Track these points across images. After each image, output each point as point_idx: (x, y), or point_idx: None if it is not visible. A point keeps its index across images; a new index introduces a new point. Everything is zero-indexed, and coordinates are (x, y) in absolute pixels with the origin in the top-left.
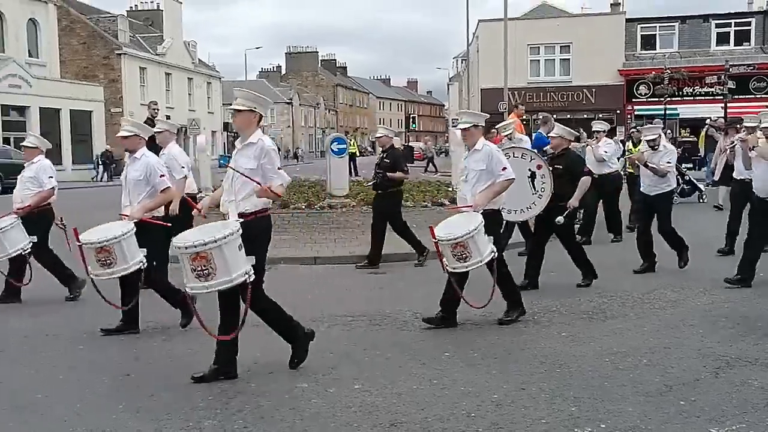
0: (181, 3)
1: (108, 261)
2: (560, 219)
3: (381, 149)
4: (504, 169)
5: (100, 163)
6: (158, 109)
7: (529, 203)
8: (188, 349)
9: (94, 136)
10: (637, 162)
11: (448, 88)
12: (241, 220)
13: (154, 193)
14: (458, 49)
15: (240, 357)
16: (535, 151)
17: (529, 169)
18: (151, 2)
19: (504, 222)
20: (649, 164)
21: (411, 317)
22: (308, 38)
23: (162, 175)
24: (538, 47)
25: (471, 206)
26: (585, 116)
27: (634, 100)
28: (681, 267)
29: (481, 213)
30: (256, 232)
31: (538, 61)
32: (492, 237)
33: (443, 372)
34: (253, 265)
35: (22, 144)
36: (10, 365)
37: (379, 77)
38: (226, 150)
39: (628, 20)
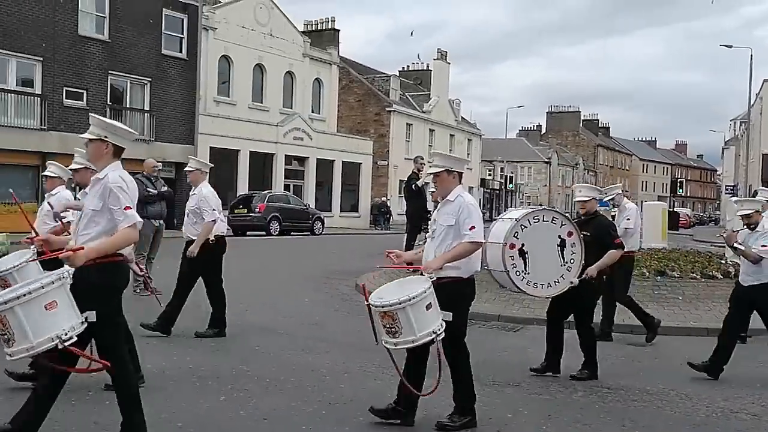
0: (449, 64)
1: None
2: (575, 280)
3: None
4: (472, 228)
5: (377, 212)
6: (424, 164)
7: (557, 276)
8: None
9: (361, 187)
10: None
11: (723, 152)
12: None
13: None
14: (737, 110)
15: None
16: (567, 214)
17: (559, 236)
18: (422, 63)
19: (474, 295)
20: (738, 246)
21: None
22: (572, 98)
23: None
24: None
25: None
26: None
27: None
28: None
29: (438, 281)
30: (85, 284)
31: None
32: (449, 313)
33: None
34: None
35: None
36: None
37: (644, 139)
38: (482, 205)
39: None
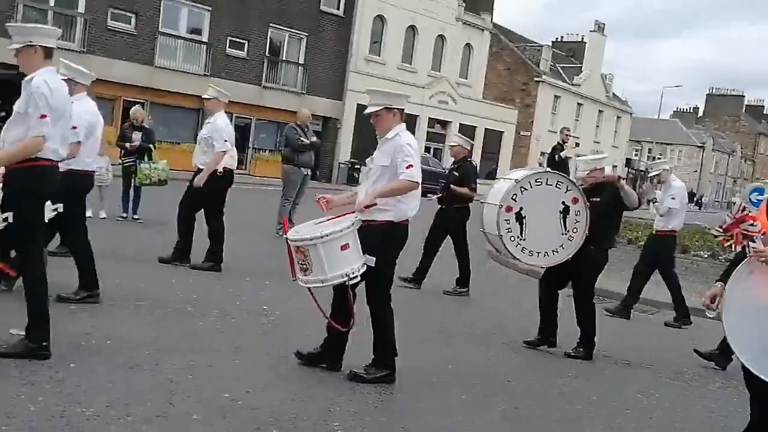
0: (605, 37)
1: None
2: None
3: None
4: (409, 167)
5: None
6: (570, 136)
7: (556, 245)
8: None
9: (501, 155)
10: None
11: None
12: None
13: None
14: None
15: None
16: (575, 181)
17: (563, 202)
18: (576, 35)
19: (405, 241)
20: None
21: None
22: (736, 81)
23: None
24: None
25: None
26: None
27: None
28: None
29: (367, 223)
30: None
31: None
32: (373, 258)
33: None
34: None
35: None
36: None
37: None
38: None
39: None
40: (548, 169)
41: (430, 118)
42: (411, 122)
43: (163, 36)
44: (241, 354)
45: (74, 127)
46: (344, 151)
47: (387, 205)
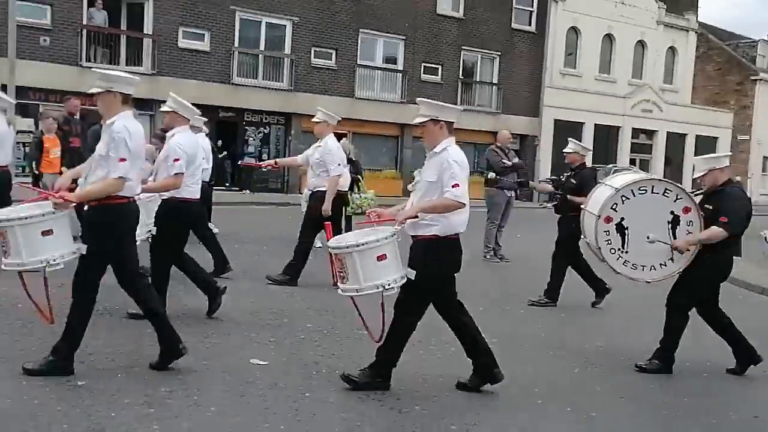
0: None
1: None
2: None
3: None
4: (455, 186)
5: None
6: None
7: (664, 258)
8: None
9: None
10: None
11: None
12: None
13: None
14: None
15: None
16: (685, 188)
17: (672, 212)
18: None
19: (454, 256)
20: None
21: None
22: None
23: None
24: None
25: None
26: None
27: None
28: None
29: (413, 238)
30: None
31: None
32: (413, 271)
33: None
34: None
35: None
36: None
37: None
38: None
39: None
40: (654, 176)
41: (633, 128)
42: (613, 134)
43: (361, 68)
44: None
45: (176, 160)
46: (544, 169)
47: (432, 220)
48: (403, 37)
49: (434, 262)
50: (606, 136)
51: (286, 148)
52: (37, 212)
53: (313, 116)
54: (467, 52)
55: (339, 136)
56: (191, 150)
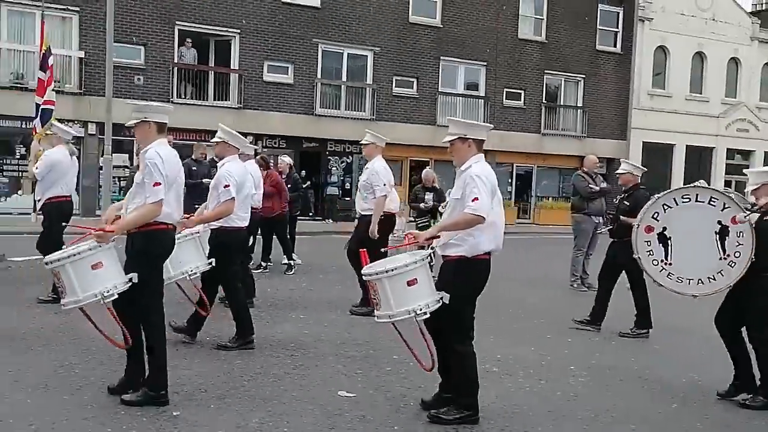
0: None
1: None
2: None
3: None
4: (475, 200)
5: None
6: None
7: (713, 271)
8: None
9: None
10: None
11: None
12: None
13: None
14: None
15: None
16: (734, 196)
17: (719, 222)
18: None
19: (483, 277)
20: None
21: None
22: None
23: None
24: None
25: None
26: None
27: None
28: None
29: (443, 258)
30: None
31: None
32: (447, 294)
33: None
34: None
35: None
36: None
37: None
38: None
39: None
40: (699, 184)
41: (728, 148)
42: (706, 155)
43: (442, 95)
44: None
45: (226, 186)
46: None
47: (459, 240)
48: (485, 63)
49: (465, 283)
50: (698, 158)
51: None
52: (85, 247)
53: (392, 143)
54: (550, 75)
55: (422, 164)
56: (241, 178)
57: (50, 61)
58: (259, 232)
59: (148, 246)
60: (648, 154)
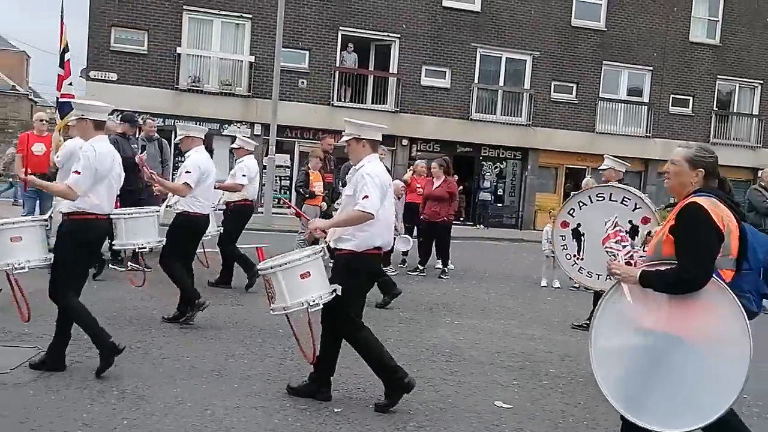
0: None
1: None
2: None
3: None
4: (365, 197)
5: None
6: None
7: None
8: None
9: None
10: None
11: None
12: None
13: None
14: None
15: None
16: (645, 197)
17: (630, 221)
18: None
19: (370, 272)
20: None
21: None
22: None
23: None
24: None
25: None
26: None
27: None
28: None
29: (336, 251)
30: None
31: None
32: (339, 286)
33: None
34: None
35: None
36: None
37: None
38: None
39: None
40: (614, 184)
41: None
42: None
43: (603, 101)
44: None
45: (188, 172)
46: None
47: (350, 235)
48: (650, 68)
49: (353, 276)
50: None
51: (522, 183)
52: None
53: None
54: (723, 81)
55: (576, 172)
56: (204, 167)
57: (66, 56)
58: (416, 233)
59: (75, 232)
60: None
